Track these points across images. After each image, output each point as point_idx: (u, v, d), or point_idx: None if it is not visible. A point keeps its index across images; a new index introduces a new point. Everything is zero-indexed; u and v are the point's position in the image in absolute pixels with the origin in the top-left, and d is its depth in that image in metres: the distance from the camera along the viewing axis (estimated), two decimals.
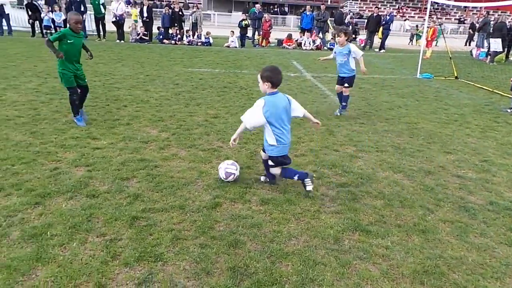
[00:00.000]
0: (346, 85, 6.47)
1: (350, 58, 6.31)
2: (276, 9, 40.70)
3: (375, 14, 18.61)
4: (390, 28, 18.86)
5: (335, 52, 6.51)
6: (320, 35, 18.74)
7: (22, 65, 9.48)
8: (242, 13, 20.76)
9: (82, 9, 15.89)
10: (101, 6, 16.21)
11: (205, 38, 17.23)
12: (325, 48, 18.30)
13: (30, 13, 15.96)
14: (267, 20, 18.46)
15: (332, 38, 18.86)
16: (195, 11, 18.06)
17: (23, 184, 3.53)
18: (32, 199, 3.27)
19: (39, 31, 16.28)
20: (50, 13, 15.82)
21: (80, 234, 2.85)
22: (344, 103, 6.64)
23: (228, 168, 3.76)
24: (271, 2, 43.68)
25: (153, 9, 18.75)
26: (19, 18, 18.03)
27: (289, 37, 18.65)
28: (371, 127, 6.06)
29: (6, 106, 5.95)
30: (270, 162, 3.65)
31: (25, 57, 10.81)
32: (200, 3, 34.51)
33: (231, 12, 39.08)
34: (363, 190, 3.82)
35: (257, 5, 19.03)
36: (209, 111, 6.46)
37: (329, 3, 42.19)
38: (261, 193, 3.67)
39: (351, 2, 45.38)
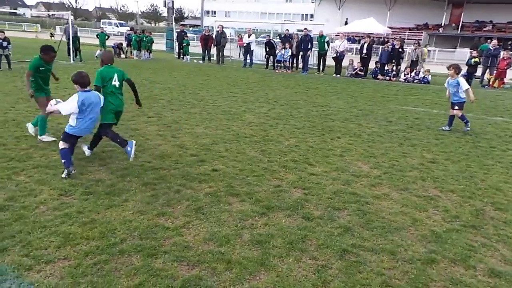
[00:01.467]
0: (456, 108, 7.66)
1: (459, 88, 7.53)
2: None
3: None
4: None
5: (447, 83, 7.81)
6: None
7: (257, 92, 11.32)
8: (470, 49, 18.57)
9: (309, 46, 17.76)
10: (326, 44, 17.70)
11: (423, 75, 16.24)
12: None
13: (267, 49, 19.00)
14: (505, 58, 15.85)
15: None
16: (416, 48, 17.34)
17: (254, 194, 4.15)
18: (260, 209, 3.80)
19: (271, 64, 19.16)
20: (283, 50, 18.38)
21: (296, 252, 3.10)
22: (465, 121, 7.67)
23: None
24: (509, 37, 37.38)
25: (373, 46, 19.09)
26: (258, 53, 21.74)
27: None
28: None
29: (245, 126, 7.19)
30: (62, 136, 4.48)
31: (260, 85, 12.88)
32: (421, 40, 32.89)
33: (455, 47, 35.59)
34: None
35: (494, 41, 16.63)
36: (425, 154, 5.99)
37: None
38: (490, 261, 3.10)
39: None
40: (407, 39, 35.44)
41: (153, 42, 21.63)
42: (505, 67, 15.88)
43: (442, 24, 41.39)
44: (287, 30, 19.64)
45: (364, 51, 17.43)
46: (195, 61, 20.35)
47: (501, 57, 16.00)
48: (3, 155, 4.89)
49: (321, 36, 17.64)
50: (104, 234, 3.23)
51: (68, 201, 3.76)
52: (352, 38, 36.10)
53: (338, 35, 20.77)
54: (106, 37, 20.51)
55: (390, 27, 39.34)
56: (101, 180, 4.28)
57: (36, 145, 5.35)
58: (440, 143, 6.74)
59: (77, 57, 17.62)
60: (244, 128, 7.05)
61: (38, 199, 3.74)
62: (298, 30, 23.55)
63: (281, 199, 4.08)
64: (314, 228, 3.50)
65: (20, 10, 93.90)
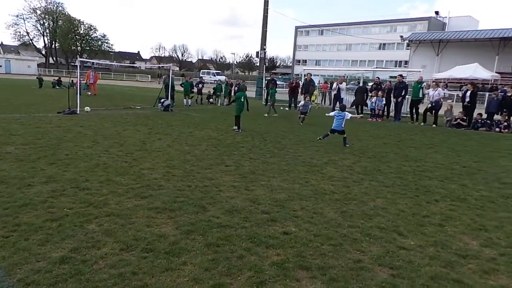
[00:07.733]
0: None
1: None
2: None
3: None
4: None
5: None
6: None
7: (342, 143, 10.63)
8: None
9: (403, 93, 16.64)
10: (421, 90, 16.43)
11: None
12: None
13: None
14: None
15: None
16: None
17: (328, 269, 3.48)
18: None
19: (360, 111, 18.31)
20: (373, 98, 17.51)
21: None
22: None
23: None
24: None
25: (478, 93, 17.14)
26: (346, 101, 21.11)
27: None
28: None
29: (325, 180, 6.58)
30: None
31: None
32: None
33: None
34: None
35: None
36: None
37: None
38: None
39: None
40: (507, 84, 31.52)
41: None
42: None
43: None
44: (377, 78, 18.81)
45: (467, 99, 15.67)
46: (281, 108, 20.53)
47: None
48: (84, 200, 5.06)
49: (420, 82, 16.49)
50: None
51: (127, 258, 3.56)
52: (451, 85, 33.32)
53: (435, 82, 19.20)
54: (191, 86, 21.33)
55: (499, 73, 35.62)
56: (165, 236, 4.06)
57: (115, 191, 5.47)
58: None
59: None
60: (324, 183, 6.44)
61: (100, 253, 3.62)
62: (390, 77, 22.49)
63: (361, 280, 3.34)
64: None
65: (137, 63, 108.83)
